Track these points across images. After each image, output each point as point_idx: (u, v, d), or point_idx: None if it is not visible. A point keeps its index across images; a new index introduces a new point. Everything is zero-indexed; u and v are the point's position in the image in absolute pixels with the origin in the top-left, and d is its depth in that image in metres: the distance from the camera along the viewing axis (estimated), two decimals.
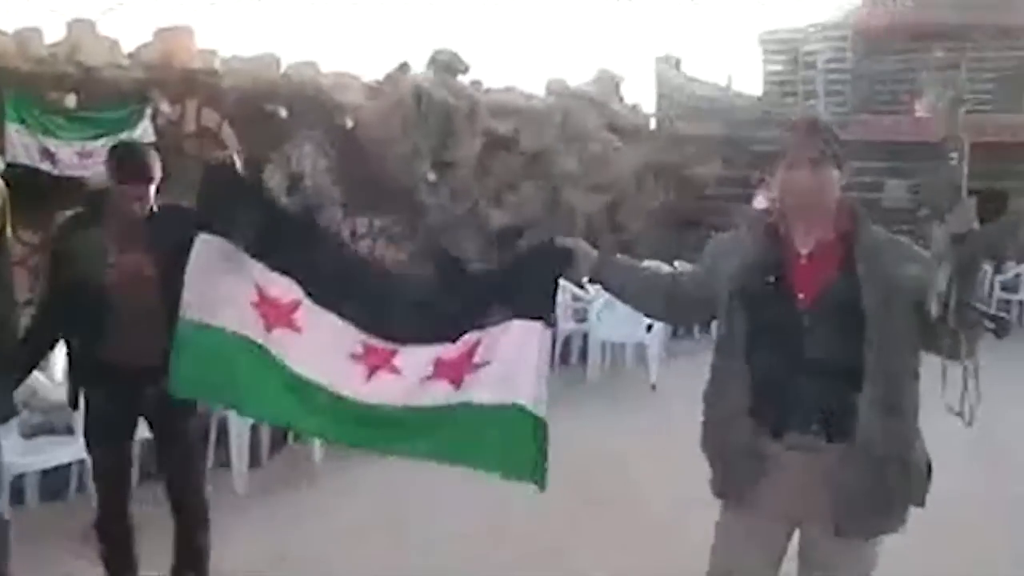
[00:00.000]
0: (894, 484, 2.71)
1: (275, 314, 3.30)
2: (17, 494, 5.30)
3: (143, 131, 8.82)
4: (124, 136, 8.74)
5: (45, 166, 8.40)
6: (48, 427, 5.58)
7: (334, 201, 10.97)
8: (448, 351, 3.19)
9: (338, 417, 3.25)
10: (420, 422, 3.19)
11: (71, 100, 8.48)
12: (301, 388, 3.25)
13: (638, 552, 4.91)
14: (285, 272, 3.33)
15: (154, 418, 4.02)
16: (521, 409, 3.07)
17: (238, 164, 8.85)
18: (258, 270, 3.31)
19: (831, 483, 2.70)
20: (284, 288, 3.32)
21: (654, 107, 17.33)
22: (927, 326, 2.51)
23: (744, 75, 28.04)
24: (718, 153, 16.70)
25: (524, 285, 3.16)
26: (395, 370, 3.24)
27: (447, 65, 12.66)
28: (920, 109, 15.77)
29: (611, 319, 9.18)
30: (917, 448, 2.76)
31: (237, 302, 3.30)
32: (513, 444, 3.10)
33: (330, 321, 3.29)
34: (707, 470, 3.03)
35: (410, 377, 3.21)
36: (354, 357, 3.26)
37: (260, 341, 3.27)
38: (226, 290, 3.29)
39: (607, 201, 15.11)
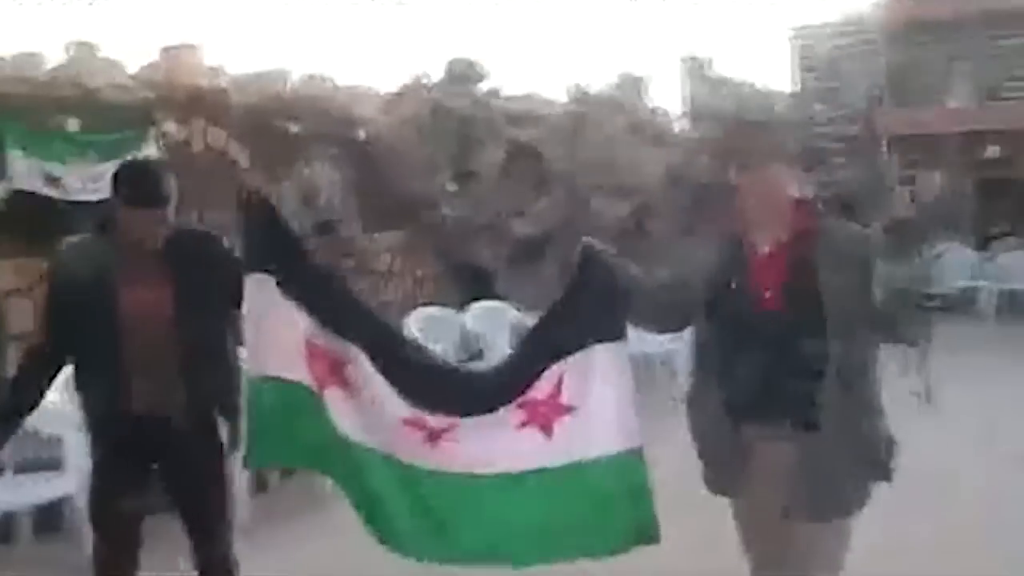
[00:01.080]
0: (863, 463, 2.86)
1: (326, 370, 3.05)
2: (9, 530, 5.20)
3: (148, 154, 8.68)
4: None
5: (51, 192, 8.27)
6: (40, 462, 5.40)
7: (351, 216, 10.80)
8: (538, 389, 2.94)
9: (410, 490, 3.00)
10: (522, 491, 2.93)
11: (73, 124, 8.35)
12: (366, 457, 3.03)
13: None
14: (332, 329, 3.07)
15: (172, 477, 3.43)
16: (631, 452, 2.89)
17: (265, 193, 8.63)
18: (304, 320, 3.07)
19: (808, 468, 2.81)
20: (333, 344, 3.06)
21: (680, 109, 17.03)
22: (879, 313, 2.71)
23: (772, 74, 27.64)
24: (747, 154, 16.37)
25: (589, 306, 2.95)
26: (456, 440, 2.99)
27: (463, 75, 12.51)
28: (952, 101, 15.35)
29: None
30: (880, 427, 2.89)
31: (292, 353, 3.07)
32: (631, 499, 2.88)
33: (380, 383, 3.03)
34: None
35: (476, 445, 2.96)
36: (407, 423, 3.01)
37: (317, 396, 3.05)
38: (283, 338, 3.07)
39: (633, 206, 14.81)
